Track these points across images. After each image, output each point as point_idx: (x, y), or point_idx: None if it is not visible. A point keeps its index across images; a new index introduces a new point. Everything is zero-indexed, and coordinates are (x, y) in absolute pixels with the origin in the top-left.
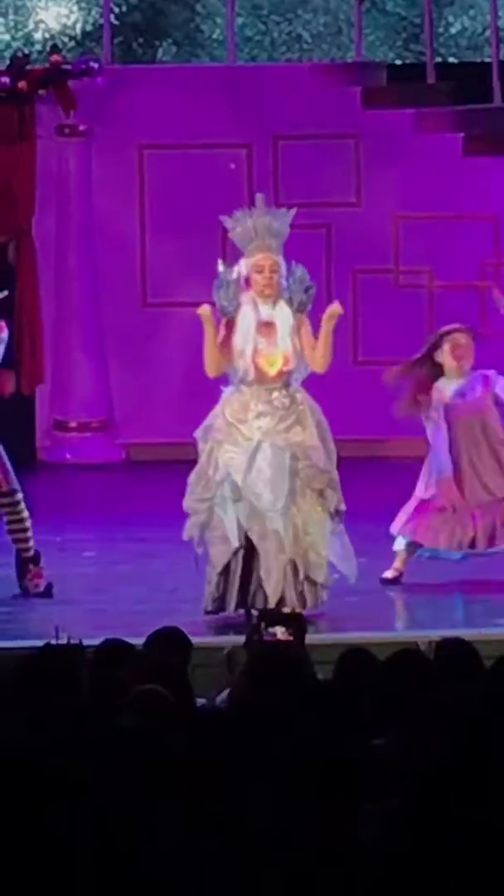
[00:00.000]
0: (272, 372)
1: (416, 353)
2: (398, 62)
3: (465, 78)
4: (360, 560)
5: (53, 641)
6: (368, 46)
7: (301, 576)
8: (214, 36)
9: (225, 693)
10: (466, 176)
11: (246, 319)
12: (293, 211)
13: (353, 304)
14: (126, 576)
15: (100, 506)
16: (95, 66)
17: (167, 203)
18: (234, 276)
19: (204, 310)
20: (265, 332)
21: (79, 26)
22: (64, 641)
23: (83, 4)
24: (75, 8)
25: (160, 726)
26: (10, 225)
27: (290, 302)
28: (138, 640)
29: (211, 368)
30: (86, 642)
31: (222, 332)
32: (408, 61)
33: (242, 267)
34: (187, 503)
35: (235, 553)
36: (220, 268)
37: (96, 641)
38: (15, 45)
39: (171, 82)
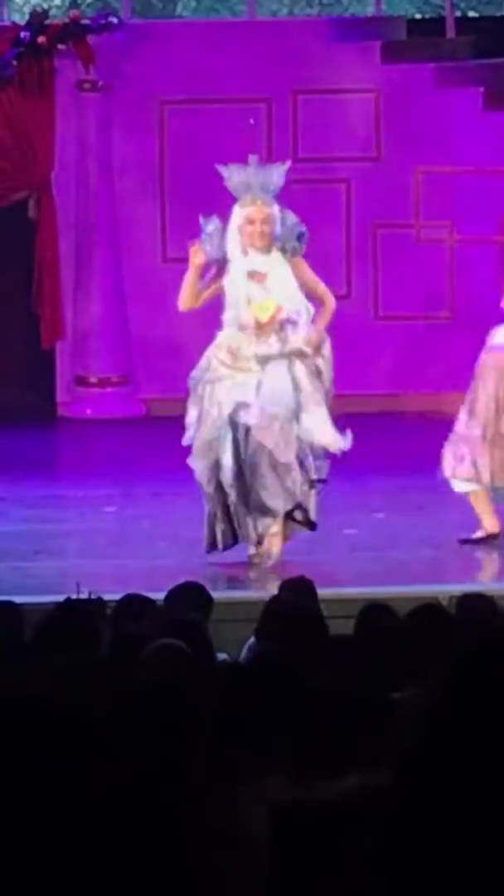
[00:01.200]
0: (264, 319)
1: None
2: (418, 16)
3: (485, 32)
4: (377, 515)
5: (74, 596)
6: (388, 1)
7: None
8: None
9: (247, 648)
10: (487, 130)
11: (237, 269)
12: (287, 164)
13: (373, 259)
14: (147, 531)
15: (120, 461)
16: (115, 20)
17: (187, 158)
18: (215, 227)
19: (195, 250)
20: (257, 280)
21: None
22: (84, 597)
23: None
24: None
25: (179, 680)
26: (30, 180)
27: (282, 250)
28: (159, 596)
29: (185, 302)
30: (106, 597)
31: (207, 277)
32: (427, 15)
33: (235, 215)
34: (196, 450)
35: (231, 486)
36: (202, 221)
37: (117, 597)
38: (34, 1)
39: (190, 37)
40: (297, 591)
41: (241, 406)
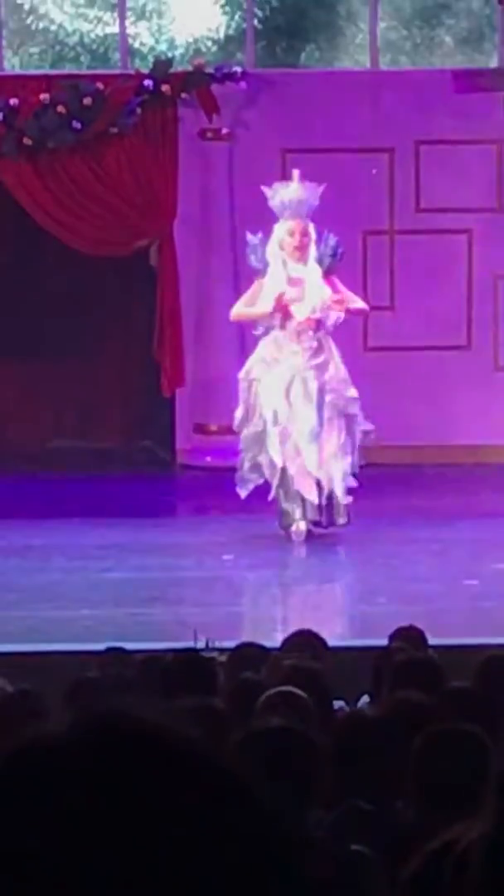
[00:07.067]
0: (300, 318)
1: None
2: None
3: None
4: (500, 566)
5: (192, 644)
6: None
7: (325, 493)
8: (357, 40)
9: (366, 697)
10: None
11: (276, 275)
12: (322, 186)
13: (494, 310)
14: (265, 579)
15: (240, 509)
16: (238, 70)
17: None
18: (258, 240)
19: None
20: (295, 285)
21: (222, 30)
22: (202, 644)
23: (226, 8)
24: (218, 12)
25: (300, 727)
26: (152, 227)
27: (320, 263)
28: (275, 644)
29: (237, 313)
30: (223, 645)
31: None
32: None
33: (277, 230)
34: (243, 441)
35: (283, 472)
36: (248, 237)
37: (233, 644)
38: (158, 48)
39: (313, 86)
40: (408, 641)
41: (271, 402)
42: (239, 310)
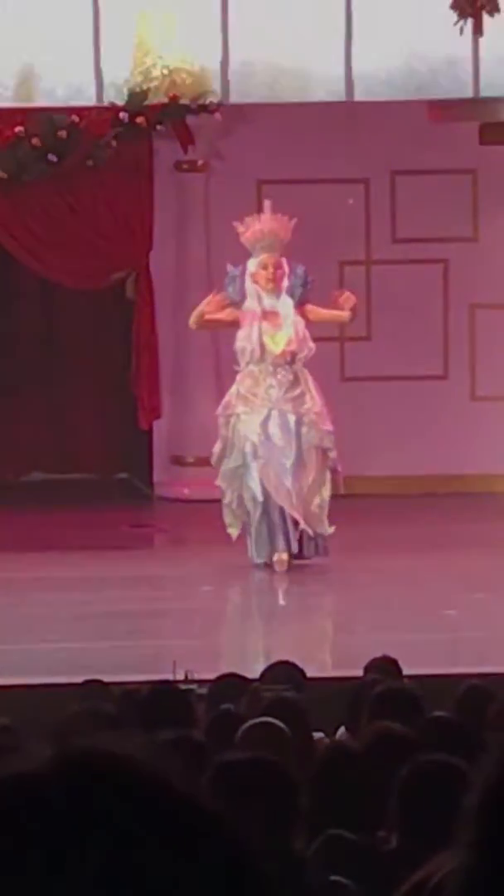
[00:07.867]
0: (277, 351)
1: None
2: None
3: None
4: (479, 596)
5: (171, 677)
6: (487, 82)
7: (300, 526)
8: (332, 71)
9: (343, 728)
10: None
11: (251, 308)
12: (294, 220)
13: (470, 339)
14: (244, 610)
15: (218, 541)
16: (213, 101)
17: None
18: (238, 273)
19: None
20: (270, 319)
21: (197, 62)
22: (181, 676)
23: (201, 40)
24: (194, 43)
25: (278, 759)
26: (128, 259)
27: (292, 295)
28: (254, 675)
29: (194, 322)
30: (202, 677)
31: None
32: None
33: (250, 265)
34: (221, 477)
35: (264, 505)
36: (229, 268)
37: (213, 676)
38: (134, 80)
39: (288, 117)
40: (384, 671)
41: (249, 437)
42: (194, 316)
